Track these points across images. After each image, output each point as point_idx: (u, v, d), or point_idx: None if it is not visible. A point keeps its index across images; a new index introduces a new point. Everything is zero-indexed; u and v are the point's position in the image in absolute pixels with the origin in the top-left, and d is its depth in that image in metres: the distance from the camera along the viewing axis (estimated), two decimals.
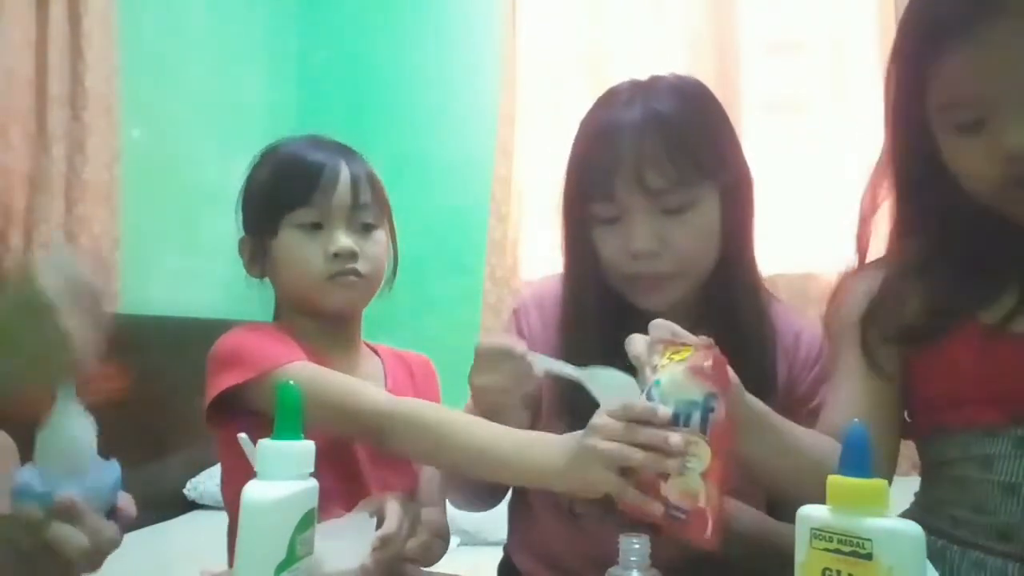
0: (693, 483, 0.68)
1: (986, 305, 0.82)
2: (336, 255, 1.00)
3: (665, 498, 0.70)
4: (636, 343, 0.77)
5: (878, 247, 0.94)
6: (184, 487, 2.39)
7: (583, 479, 0.73)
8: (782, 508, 0.90)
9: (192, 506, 2.37)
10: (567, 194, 0.99)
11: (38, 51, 2.08)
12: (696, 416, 0.69)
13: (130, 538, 0.68)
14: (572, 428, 0.76)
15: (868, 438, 0.55)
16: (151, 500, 2.20)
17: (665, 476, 0.70)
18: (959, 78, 0.76)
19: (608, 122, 0.94)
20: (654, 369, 0.74)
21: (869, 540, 0.53)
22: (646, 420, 0.70)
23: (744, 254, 0.99)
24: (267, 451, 0.65)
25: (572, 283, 1.02)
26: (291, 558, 0.63)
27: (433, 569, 0.98)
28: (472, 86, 3.06)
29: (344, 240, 1.01)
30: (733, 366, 0.74)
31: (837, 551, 0.54)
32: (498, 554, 1.16)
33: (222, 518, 1.01)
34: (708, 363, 0.69)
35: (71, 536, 0.61)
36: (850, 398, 0.89)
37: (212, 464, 2.34)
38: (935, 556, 0.80)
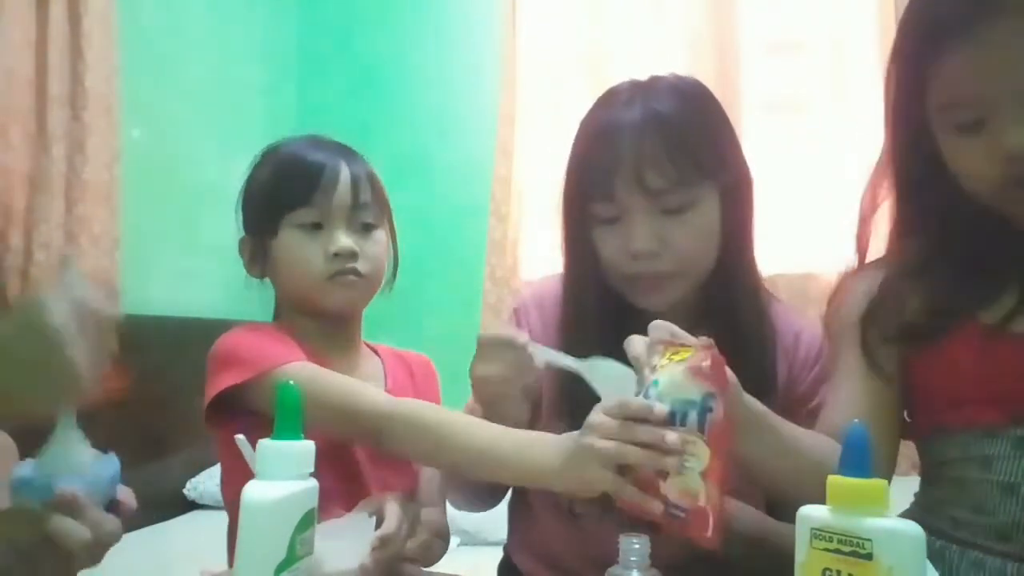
0: (692, 482, 0.68)
1: (986, 305, 0.82)
2: (336, 255, 1.00)
3: (664, 497, 0.70)
4: (635, 344, 0.77)
5: (878, 247, 0.94)
6: (184, 487, 2.39)
7: (581, 478, 0.73)
8: (782, 508, 0.90)
9: (192, 506, 2.37)
10: (567, 194, 0.99)
11: (38, 51, 2.08)
12: (693, 415, 0.69)
13: (130, 538, 0.68)
14: (572, 428, 0.76)
15: (868, 438, 0.55)
16: (151, 500, 2.20)
17: (664, 475, 0.70)
18: (959, 78, 0.76)
19: (608, 122, 0.94)
20: (653, 369, 0.74)
21: (869, 540, 0.53)
22: (643, 418, 0.70)
23: (744, 254, 0.99)
24: (267, 451, 0.65)
25: (572, 283, 1.02)
26: (291, 558, 0.63)
27: (433, 569, 0.98)
28: (472, 86, 3.06)
29: (344, 240, 1.01)
30: (733, 366, 0.74)
31: (837, 551, 0.54)
32: (498, 554, 1.16)
33: (222, 518, 1.01)
34: (707, 363, 0.69)
35: (72, 529, 0.61)
36: (850, 398, 0.89)
37: (212, 464, 2.34)
38: (934, 556, 0.80)
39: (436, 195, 2.96)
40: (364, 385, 0.94)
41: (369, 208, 1.04)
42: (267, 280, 1.08)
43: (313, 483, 0.66)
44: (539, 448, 0.79)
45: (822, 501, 0.56)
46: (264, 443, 0.65)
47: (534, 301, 1.08)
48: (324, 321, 1.05)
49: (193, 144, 2.67)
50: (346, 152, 1.06)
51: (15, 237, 2.04)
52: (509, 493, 1.12)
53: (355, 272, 1.02)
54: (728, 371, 0.73)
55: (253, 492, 0.63)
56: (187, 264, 2.57)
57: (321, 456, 0.67)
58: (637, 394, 0.74)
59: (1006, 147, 0.74)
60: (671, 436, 0.68)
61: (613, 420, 0.71)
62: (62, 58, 2.13)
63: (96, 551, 0.64)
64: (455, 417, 0.89)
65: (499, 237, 2.85)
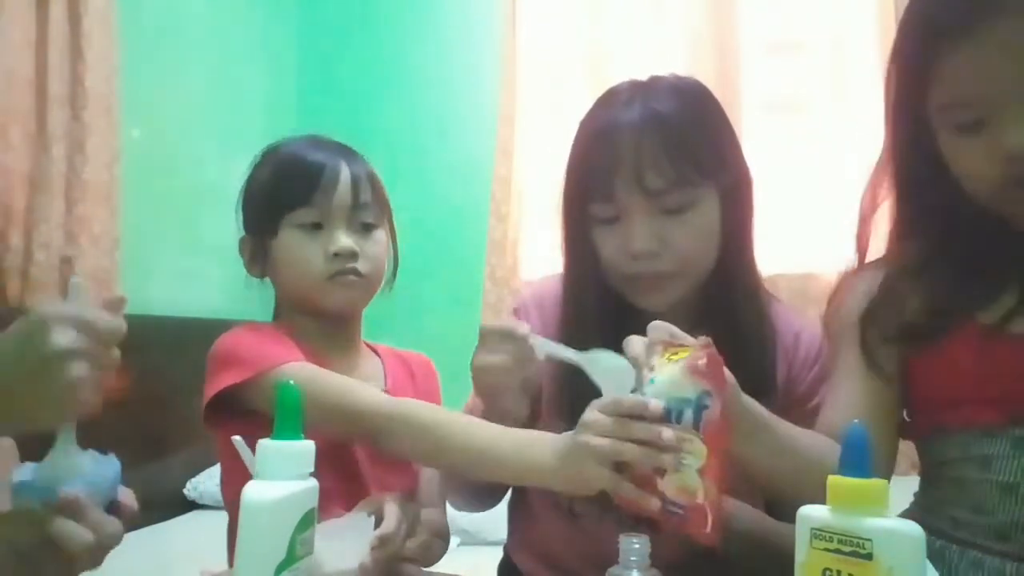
0: (690, 479, 0.68)
1: (985, 305, 0.82)
2: (336, 255, 1.00)
3: (662, 494, 0.70)
4: (634, 344, 0.77)
5: (878, 247, 0.94)
6: (184, 487, 2.39)
7: (578, 476, 0.73)
8: (781, 508, 0.90)
9: (192, 506, 2.37)
10: (567, 194, 0.99)
11: (38, 51, 2.08)
12: (689, 413, 0.69)
13: (130, 538, 0.68)
14: (572, 424, 0.77)
15: (868, 438, 0.55)
16: (151, 500, 2.20)
17: (661, 472, 0.70)
18: (960, 78, 0.75)
19: (608, 122, 0.94)
20: (651, 369, 0.74)
21: (869, 540, 0.53)
22: (638, 414, 0.70)
23: (744, 254, 0.99)
24: (267, 451, 0.65)
25: (572, 283, 1.02)
26: (291, 558, 0.63)
27: (433, 569, 0.98)
28: (472, 86, 3.06)
29: (344, 240, 1.01)
30: (732, 366, 0.74)
31: (837, 551, 0.54)
32: (498, 554, 1.16)
33: (222, 518, 1.01)
34: (703, 361, 0.69)
35: (74, 531, 0.61)
36: (849, 398, 0.89)
37: (212, 464, 2.34)
38: (934, 556, 0.80)
39: (436, 195, 2.96)
40: (363, 385, 0.94)
41: (369, 208, 1.04)
42: (267, 280, 1.08)
43: (313, 483, 0.66)
44: (537, 447, 0.79)
45: (820, 501, 0.56)
46: (264, 443, 0.65)
47: (534, 301, 1.08)
48: (324, 321, 1.05)
49: (193, 144, 2.67)
50: (346, 152, 1.06)
51: (15, 237, 2.04)
52: (509, 493, 1.12)
53: (355, 272, 1.02)
54: (726, 371, 0.73)
55: (253, 492, 0.63)
56: (187, 264, 2.58)
57: (320, 456, 0.67)
58: (634, 390, 0.74)
59: (1006, 147, 0.74)
60: (667, 433, 0.68)
61: (608, 417, 0.71)
62: (62, 58, 2.12)
63: (97, 553, 0.64)
64: (453, 417, 0.89)
65: (499, 237, 2.85)
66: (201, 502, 2.36)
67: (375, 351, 1.15)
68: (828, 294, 0.98)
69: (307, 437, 0.67)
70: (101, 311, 0.61)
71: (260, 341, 0.98)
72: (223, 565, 0.97)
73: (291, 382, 0.68)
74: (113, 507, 0.66)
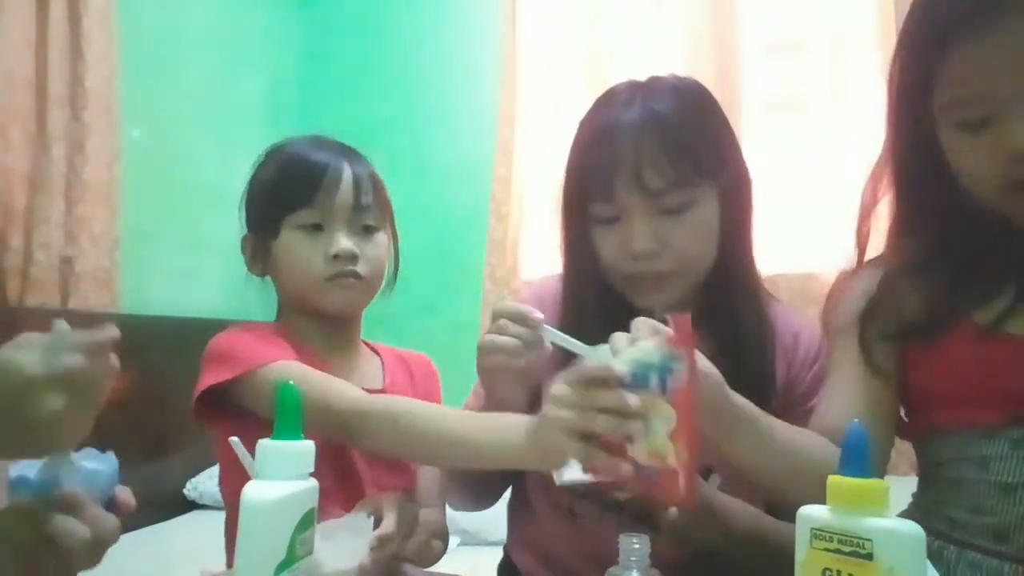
0: (660, 443, 0.67)
1: (983, 304, 0.82)
2: (336, 257, 1.01)
3: (633, 459, 0.69)
4: (618, 340, 0.77)
5: (878, 242, 0.94)
6: (184, 487, 2.39)
7: (549, 450, 0.73)
8: (781, 507, 0.90)
9: (192, 506, 2.37)
10: (567, 194, 0.99)
11: (38, 51, 2.08)
12: (655, 377, 0.68)
13: (130, 538, 0.68)
14: None
15: (868, 438, 0.55)
16: (151, 500, 2.21)
17: (631, 438, 0.69)
18: (965, 75, 0.75)
19: (607, 122, 0.94)
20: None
21: (869, 540, 0.53)
22: (600, 380, 0.69)
23: (743, 254, 0.99)
24: (267, 451, 0.65)
25: (572, 283, 1.02)
26: (291, 558, 0.63)
27: (433, 569, 0.98)
28: (472, 86, 3.06)
29: (344, 242, 1.01)
30: (733, 366, 0.74)
31: (837, 551, 0.54)
32: (498, 554, 1.16)
33: (222, 518, 1.01)
34: (671, 326, 0.69)
35: (72, 528, 0.60)
36: (846, 396, 0.89)
37: (212, 464, 2.34)
38: (932, 557, 0.80)
39: (436, 195, 2.96)
40: (343, 384, 0.94)
41: (370, 210, 1.04)
42: (267, 279, 1.08)
43: (313, 483, 0.66)
44: (509, 429, 0.79)
45: (816, 501, 0.56)
46: (264, 443, 0.65)
47: (534, 301, 1.08)
48: (323, 321, 1.05)
49: (193, 144, 2.67)
50: (349, 153, 1.06)
51: (15, 237, 2.04)
52: (508, 493, 1.12)
53: (354, 274, 1.02)
54: (708, 365, 0.73)
55: (253, 492, 0.63)
56: (187, 264, 2.58)
57: (318, 456, 0.67)
58: None
59: (1011, 147, 0.73)
60: (633, 399, 0.68)
61: (574, 389, 0.71)
62: (62, 58, 2.13)
63: (95, 550, 0.63)
64: (426, 408, 0.90)
65: (499, 237, 2.84)
66: (201, 502, 2.36)
67: (375, 351, 1.15)
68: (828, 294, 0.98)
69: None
70: (88, 340, 0.58)
71: (251, 340, 0.98)
72: (223, 565, 0.97)
73: (291, 382, 0.68)
74: (111, 504, 0.66)
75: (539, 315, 0.87)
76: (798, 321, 1.03)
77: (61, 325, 0.59)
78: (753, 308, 0.99)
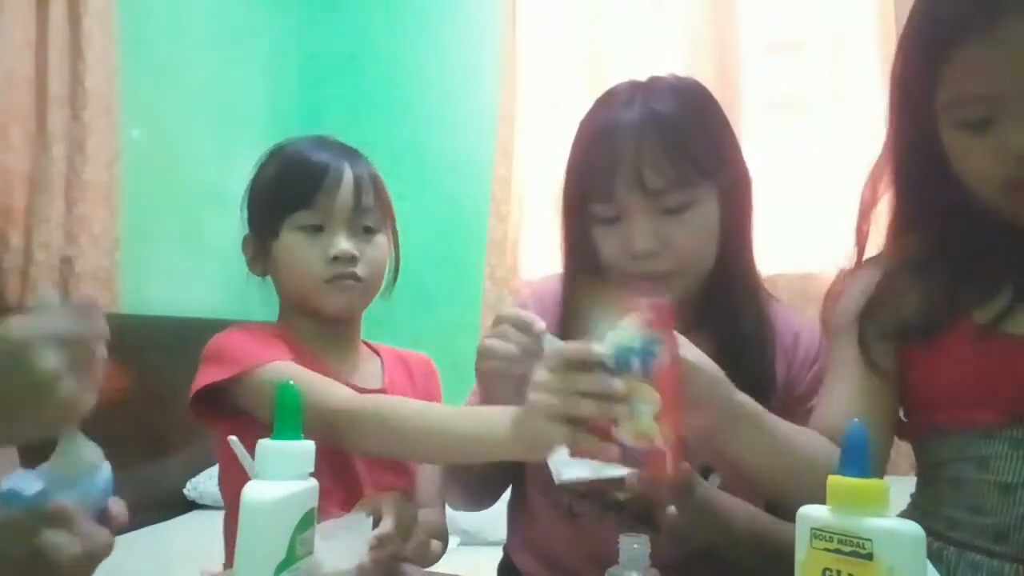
0: (646, 425, 0.67)
1: (982, 304, 0.81)
2: (335, 259, 1.01)
3: (619, 441, 0.69)
4: (599, 328, 0.77)
5: (877, 241, 0.94)
6: (184, 487, 2.39)
7: (535, 438, 0.73)
8: (782, 507, 0.90)
9: (192, 506, 2.37)
10: (567, 194, 0.99)
11: (38, 51, 2.08)
12: (636, 361, 0.68)
13: (130, 538, 0.68)
14: None
15: (868, 438, 0.55)
16: (151, 500, 2.21)
17: (616, 421, 0.69)
18: (970, 75, 0.74)
19: (607, 122, 0.94)
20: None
21: (869, 540, 0.53)
22: (581, 361, 0.69)
23: (743, 254, 0.99)
24: (267, 451, 0.65)
25: (572, 283, 1.02)
26: (291, 558, 0.63)
27: (433, 569, 0.98)
28: (472, 86, 3.06)
29: (344, 244, 1.01)
30: (733, 366, 0.74)
31: (837, 551, 0.54)
32: (498, 554, 1.16)
33: (222, 518, 1.01)
34: (647, 310, 0.68)
35: (63, 542, 0.60)
36: (845, 396, 0.88)
37: (212, 464, 2.33)
38: (932, 558, 0.80)
39: (436, 195, 2.96)
40: (334, 385, 0.94)
41: (371, 212, 1.04)
42: (268, 278, 1.08)
43: (313, 483, 0.66)
44: (493, 420, 0.79)
45: (816, 500, 0.56)
46: (264, 443, 0.65)
47: (534, 301, 1.08)
48: (323, 322, 1.05)
49: (193, 144, 2.67)
50: (351, 154, 1.06)
51: (15, 237, 2.04)
52: (508, 493, 1.12)
53: (353, 276, 1.02)
54: (707, 362, 0.73)
55: (253, 492, 0.63)
56: (187, 264, 2.57)
57: (317, 456, 0.67)
58: None
59: (1015, 147, 0.73)
60: (616, 383, 0.67)
61: (557, 375, 0.70)
62: (62, 58, 2.13)
63: (86, 565, 0.63)
64: (411, 405, 0.90)
65: (499, 237, 2.84)
66: (201, 502, 2.36)
67: (375, 351, 1.15)
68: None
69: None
70: (78, 319, 0.60)
71: (248, 341, 0.98)
72: (223, 565, 0.97)
73: (291, 382, 0.68)
74: (102, 516, 0.65)
75: (542, 325, 0.87)
76: (798, 321, 1.03)
77: (47, 292, 0.60)
78: (753, 308, 0.99)
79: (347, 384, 1.03)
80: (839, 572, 0.54)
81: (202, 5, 2.76)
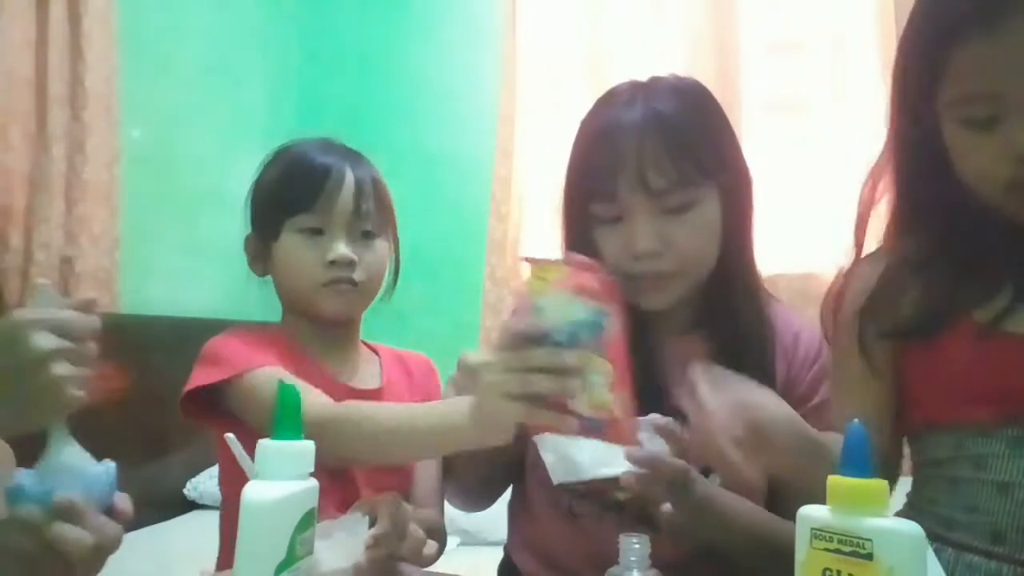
0: (601, 395, 0.67)
1: (982, 303, 0.81)
2: (332, 263, 1.01)
3: (577, 413, 0.69)
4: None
5: (877, 239, 0.93)
6: (184, 487, 2.39)
7: (494, 420, 0.73)
8: (783, 507, 0.90)
9: (192, 506, 2.37)
10: (568, 194, 0.99)
11: (38, 51, 2.08)
12: (586, 334, 0.68)
13: (130, 538, 0.68)
14: None
15: (868, 438, 0.55)
16: (151, 500, 2.21)
17: (570, 394, 0.69)
18: (974, 73, 0.74)
19: (609, 122, 0.94)
20: (528, 294, 0.73)
21: (869, 540, 0.53)
22: (531, 338, 0.69)
23: (744, 254, 0.99)
24: (267, 451, 0.65)
25: None
26: (291, 558, 0.63)
27: (432, 569, 0.98)
28: (472, 86, 3.06)
29: (342, 249, 1.01)
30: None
31: (837, 551, 0.54)
32: (498, 554, 1.16)
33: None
34: (596, 285, 0.69)
35: (75, 535, 0.60)
36: (849, 396, 0.88)
37: (212, 464, 2.33)
38: None
39: (436, 195, 2.96)
40: (310, 393, 0.92)
41: (371, 216, 1.04)
42: (268, 278, 1.08)
43: (313, 483, 0.66)
44: (453, 410, 0.79)
45: None
46: (264, 443, 0.65)
47: None
48: (322, 323, 1.05)
49: (193, 144, 2.67)
50: (354, 158, 1.06)
51: (15, 237, 2.04)
52: (508, 493, 1.12)
53: (350, 281, 1.02)
54: (757, 408, 0.74)
55: (253, 492, 0.63)
56: (187, 264, 2.57)
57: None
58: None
59: (1017, 146, 0.73)
60: (568, 356, 0.67)
61: (508, 353, 0.70)
62: (62, 58, 2.13)
63: (98, 558, 0.63)
64: (383, 408, 0.91)
65: (499, 237, 2.84)
66: (201, 502, 2.36)
67: (374, 351, 1.15)
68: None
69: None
70: (73, 311, 0.63)
71: (240, 345, 0.98)
72: None
73: (290, 382, 0.68)
74: (109, 513, 0.66)
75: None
76: (798, 321, 1.03)
77: (44, 283, 0.62)
78: (753, 308, 0.99)
79: (345, 385, 1.04)
80: (839, 572, 0.54)
81: (202, 5, 2.76)
